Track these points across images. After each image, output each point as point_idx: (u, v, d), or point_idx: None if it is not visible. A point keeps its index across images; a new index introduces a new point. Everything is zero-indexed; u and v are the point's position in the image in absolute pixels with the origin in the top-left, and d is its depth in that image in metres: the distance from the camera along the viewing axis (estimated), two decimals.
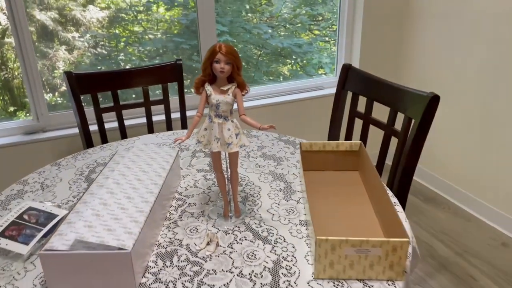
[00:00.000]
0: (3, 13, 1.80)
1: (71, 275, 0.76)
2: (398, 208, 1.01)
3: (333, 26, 2.52)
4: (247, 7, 2.30)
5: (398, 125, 1.31)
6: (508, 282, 1.76)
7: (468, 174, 2.23)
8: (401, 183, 1.26)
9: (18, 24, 1.76)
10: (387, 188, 1.10)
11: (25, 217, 0.92)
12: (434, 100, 1.17)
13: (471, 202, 2.23)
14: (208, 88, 0.88)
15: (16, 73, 1.93)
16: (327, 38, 2.55)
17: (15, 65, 1.92)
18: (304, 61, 2.54)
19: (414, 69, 2.45)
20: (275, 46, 2.40)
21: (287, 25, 2.41)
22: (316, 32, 2.52)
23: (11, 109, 1.99)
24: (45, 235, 0.89)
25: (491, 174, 2.10)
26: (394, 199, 1.05)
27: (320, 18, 2.50)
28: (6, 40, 1.88)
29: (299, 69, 2.56)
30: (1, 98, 1.97)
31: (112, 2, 2.02)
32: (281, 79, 2.52)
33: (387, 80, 1.37)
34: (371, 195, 1.04)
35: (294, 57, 2.51)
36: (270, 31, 2.35)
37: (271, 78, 2.48)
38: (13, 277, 0.81)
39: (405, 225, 0.94)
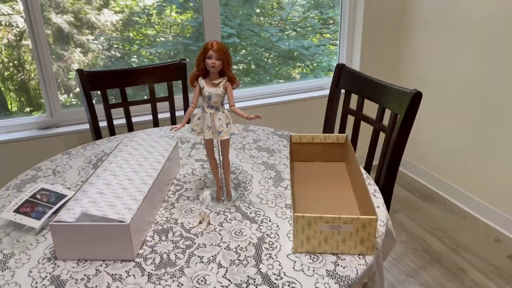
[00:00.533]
0: (21, 16, 1.92)
1: (77, 244, 0.86)
2: (378, 195, 1.09)
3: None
4: (257, 10, 2.39)
5: (386, 121, 1.39)
6: (499, 275, 1.81)
7: (464, 172, 2.29)
8: (387, 177, 1.34)
9: (35, 27, 1.88)
10: (369, 177, 1.19)
11: (38, 196, 1.02)
12: (416, 97, 1.25)
13: (467, 199, 2.29)
14: (202, 81, 0.98)
15: (32, 75, 2.04)
16: (337, 42, 2.63)
17: (31, 67, 2.03)
18: (314, 64, 2.62)
19: (413, 69, 2.52)
20: (284, 49, 2.48)
21: (297, 29, 2.49)
22: (327, 35, 2.60)
23: (27, 109, 2.11)
24: (55, 212, 0.99)
25: (487, 173, 2.15)
26: (374, 187, 1.13)
27: (331, 22, 2.58)
28: (23, 42, 1.99)
29: (309, 72, 2.64)
30: (18, 99, 2.08)
31: (126, 5, 2.12)
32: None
33: (376, 78, 1.45)
34: (353, 183, 1.13)
35: (303, 60, 2.59)
36: (279, 33, 2.43)
37: (281, 81, 2.55)
38: (26, 247, 0.91)
39: (381, 209, 1.02)
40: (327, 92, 2.53)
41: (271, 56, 2.51)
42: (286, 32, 2.47)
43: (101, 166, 1.06)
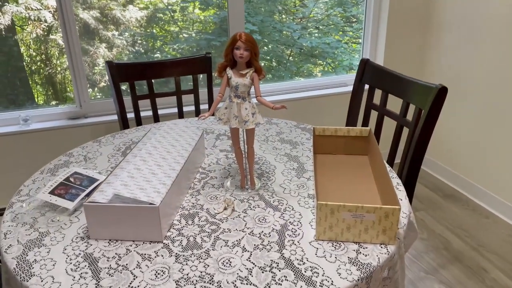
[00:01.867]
0: (49, 11, 1.98)
1: (109, 224, 0.90)
2: (400, 188, 1.10)
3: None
4: (279, 8, 2.41)
5: (410, 116, 1.40)
6: None
7: (488, 172, 2.25)
8: (410, 172, 1.34)
9: (67, 21, 1.95)
10: (392, 171, 1.19)
11: (71, 179, 1.07)
12: (441, 92, 1.25)
13: (490, 199, 2.26)
14: (229, 71, 1.01)
15: (59, 69, 2.11)
16: (360, 40, 2.62)
17: (58, 61, 2.09)
18: (336, 62, 2.62)
19: (437, 67, 2.49)
20: (306, 46, 2.49)
21: (320, 26, 2.50)
22: (350, 33, 2.60)
23: (53, 102, 2.18)
24: (87, 195, 1.04)
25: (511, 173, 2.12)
26: (397, 181, 1.14)
27: (354, 20, 2.58)
28: (51, 37, 2.06)
29: (330, 70, 2.64)
30: (44, 92, 2.15)
31: (151, 2, 2.17)
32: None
33: (400, 73, 1.45)
34: (376, 176, 1.14)
35: (325, 57, 2.59)
36: (301, 31, 2.44)
37: (301, 79, 2.56)
38: (61, 226, 0.96)
39: (404, 202, 1.03)
40: (349, 88, 2.53)
41: (293, 53, 2.52)
42: (309, 30, 2.48)
43: (131, 153, 1.10)
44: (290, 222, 0.96)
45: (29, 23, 1.97)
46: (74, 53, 2.01)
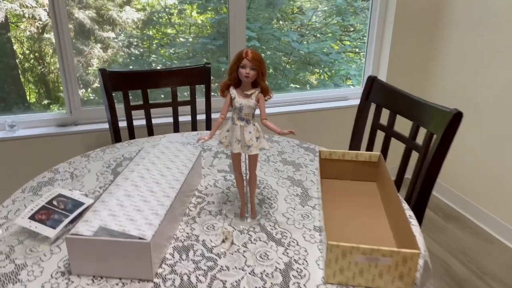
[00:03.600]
0: (44, 10, 1.90)
1: (94, 259, 0.80)
2: (413, 221, 1.02)
3: (364, 38, 2.53)
4: (278, 15, 2.34)
5: (419, 139, 1.32)
6: None
7: (492, 194, 2.18)
8: (420, 198, 1.26)
9: (59, 22, 1.85)
10: (403, 201, 1.11)
11: (55, 203, 0.97)
12: (457, 117, 1.17)
13: (494, 223, 2.18)
14: (233, 91, 0.92)
15: (52, 68, 2.03)
16: (357, 50, 2.56)
17: (52, 60, 2.01)
18: (332, 71, 2.56)
19: (442, 85, 2.42)
20: (303, 54, 2.43)
21: (317, 34, 2.44)
22: (347, 42, 2.53)
23: (45, 102, 2.09)
24: (71, 221, 0.94)
25: None
26: (409, 212, 1.05)
27: (352, 29, 2.52)
28: (45, 35, 1.98)
29: (326, 78, 2.58)
30: (36, 90, 2.07)
31: (148, 4, 2.09)
32: (308, 88, 2.54)
33: (411, 94, 1.37)
34: (386, 207, 1.05)
35: (322, 66, 2.53)
36: (298, 38, 2.38)
37: (297, 86, 2.50)
38: (40, 258, 0.86)
39: (419, 239, 0.95)
40: (350, 102, 2.46)
41: (290, 60, 2.45)
42: (307, 38, 2.41)
43: (122, 174, 1.01)
44: (295, 259, 0.87)
45: (23, 20, 1.89)
46: (66, 57, 1.91)
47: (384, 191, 1.10)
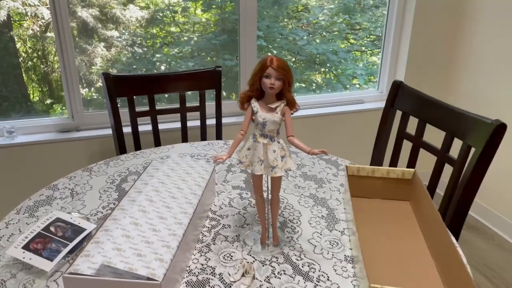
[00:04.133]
0: (47, 8, 1.80)
1: None
2: (458, 248, 0.90)
3: (371, 36, 2.41)
4: (285, 13, 2.23)
5: (452, 152, 1.20)
6: None
7: None
8: (455, 218, 1.14)
9: (60, 21, 1.75)
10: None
11: (52, 229, 0.86)
12: (500, 129, 1.05)
13: None
14: (255, 104, 0.80)
15: (55, 67, 1.95)
16: (363, 48, 2.44)
17: (55, 58, 1.93)
18: (339, 70, 2.44)
19: (465, 89, 2.29)
20: (310, 53, 2.31)
21: (324, 33, 2.32)
22: (352, 41, 2.42)
23: (48, 101, 2.00)
24: (71, 251, 0.83)
25: None
26: (452, 237, 0.94)
27: (358, 27, 2.40)
28: (48, 34, 1.88)
29: (332, 77, 2.46)
30: (40, 90, 1.99)
31: (152, 2, 1.99)
32: (314, 87, 2.42)
33: (445, 103, 1.25)
34: (425, 231, 0.94)
35: (328, 65, 2.42)
36: (305, 37, 2.27)
37: (303, 85, 2.39)
38: None
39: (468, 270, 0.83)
40: (367, 106, 2.34)
41: (296, 60, 2.34)
42: (314, 37, 2.30)
43: (127, 196, 0.90)
44: None
45: (26, 19, 1.81)
46: (67, 57, 1.81)
47: (420, 212, 0.98)
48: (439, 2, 2.19)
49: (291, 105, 0.81)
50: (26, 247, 0.81)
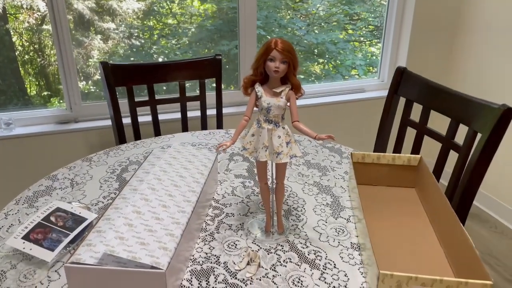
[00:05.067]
0: (43, 0, 1.77)
1: None
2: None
3: (370, 26, 2.37)
4: (283, 3, 2.20)
5: (458, 138, 1.18)
6: None
7: None
8: (460, 205, 1.13)
9: (57, 13, 1.72)
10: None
11: (52, 219, 0.84)
12: (507, 113, 1.03)
13: None
14: (259, 89, 0.78)
15: (52, 60, 1.92)
16: (362, 38, 2.41)
17: (51, 52, 1.90)
18: (338, 61, 2.41)
19: (466, 76, 2.27)
20: (309, 43, 2.29)
21: (322, 23, 2.29)
22: (350, 31, 2.39)
23: (45, 93, 1.97)
24: (72, 241, 0.81)
25: None
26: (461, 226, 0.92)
27: (357, 18, 2.37)
28: (44, 27, 1.85)
29: (331, 68, 2.43)
30: (37, 83, 1.96)
31: None
32: (313, 78, 2.40)
33: (450, 88, 1.23)
34: (432, 218, 0.92)
35: (327, 56, 2.39)
36: (303, 28, 2.24)
37: (302, 76, 2.36)
38: (35, 286, 0.74)
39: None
40: (369, 95, 2.32)
41: (296, 50, 2.32)
42: (312, 27, 2.27)
43: (129, 184, 0.88)
44: (334, 286, 0.74)
45: (22, 12, 1.78)
46: (64, 49, 1.78)
47: (427, 199, 0.97)
48: None
49: (296, 89, 0.79)
50: (26, 237, 0.80)
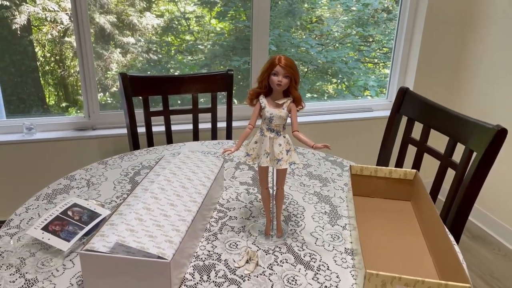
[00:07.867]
0: (66, 14, 1.89)
1: (109, 277, 0.74)
2: (456, 247, 0.93)
3: (384, 49, 2.45)
4: (298, 23, 2.29)
5: (456, 157, 1.23)
6: None
7: None
8: (456, 220, 1.17)
9: (81, 26, 1.83)
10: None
11: (69, 213, 0.92)
12: (500, 134, 1.08)
13: None
14: (263, 100, 0.85)
15: (71, 71, 2.02)
16: (376, 60, 2.48)
17: (72, 63, 2.00)
18: (351, 81, 2.48)
19: (473, 99, 2.32)
20: (322, 63, 2.36)
21: (337, 44, 2.38)
22: (364, 53, 2.47)
23: (64, 104, 2.07)
24: (86, 234, 0.89)
25: None
26: (451, 237, 0.97)
27: (371, 40, 2.45)
28: (66, 39, 1.97)
29: (344, 88, 2.50)
30: (56, 93, 2.06)
31: (167, 10, 2.07)
32: (325, 98, 2.47)
33: (449, 108, 1.29)
34: (424, 229, 0.97)
35: (340, 76, 2.46)
36: (317, 47, 2.32)
37: (315, 96, 2.43)
38: (52, 273, 0.81)
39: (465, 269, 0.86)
40: (376, 114, 2.37)
41: (308, 70, 2.39)
42: (326, 48, 2.35)
43: (141, 184, 0.95)
44: (326, 286, 0.80)
45: (46, 24, 1.90)
46: (86, 60, 1.89)
47: (421, 212, 1.02)
48: (448, 13, 2.23)
49: (297, 102, 0.86)
50: (45, 228, 0.87)
